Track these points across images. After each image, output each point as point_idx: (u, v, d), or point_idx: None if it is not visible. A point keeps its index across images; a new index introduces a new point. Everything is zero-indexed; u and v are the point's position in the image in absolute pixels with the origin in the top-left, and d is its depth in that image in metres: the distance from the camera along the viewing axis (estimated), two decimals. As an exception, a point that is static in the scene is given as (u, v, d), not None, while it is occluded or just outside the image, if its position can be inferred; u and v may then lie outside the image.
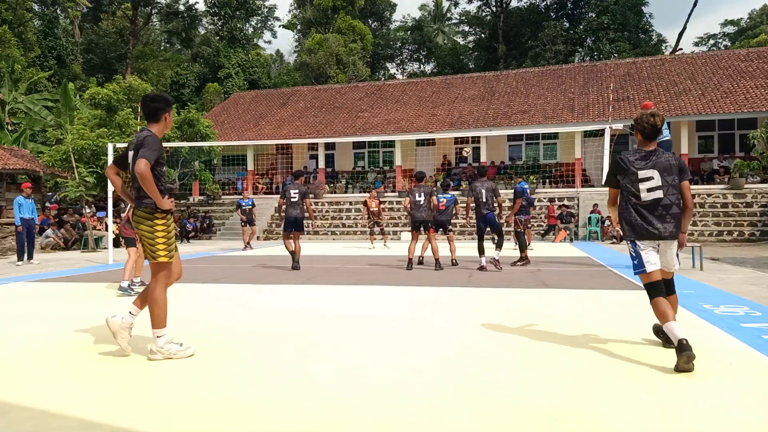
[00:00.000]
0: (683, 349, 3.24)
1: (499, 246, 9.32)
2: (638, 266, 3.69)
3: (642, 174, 3.66)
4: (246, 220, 15.71)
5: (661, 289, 3.60)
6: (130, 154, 3.73)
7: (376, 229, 15.47)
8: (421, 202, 9.27)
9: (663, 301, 3.52)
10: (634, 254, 3.72)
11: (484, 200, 9.01)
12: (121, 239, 7.36)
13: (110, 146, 11.75)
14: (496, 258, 9.20)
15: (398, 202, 22.80)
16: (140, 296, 3.89)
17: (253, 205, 16.30)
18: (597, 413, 2.65)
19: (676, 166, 3.68)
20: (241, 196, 17.37)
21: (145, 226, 3.65)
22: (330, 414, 2.68)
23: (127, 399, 2.93)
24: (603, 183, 4.17)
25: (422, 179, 9.64)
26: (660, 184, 3.63)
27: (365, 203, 15.38)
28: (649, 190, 3.64)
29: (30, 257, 12.11)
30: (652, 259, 3.64)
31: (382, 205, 16.47)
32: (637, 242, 3.68)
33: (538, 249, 13.89)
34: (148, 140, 3.61)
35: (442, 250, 9.78)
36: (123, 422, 2.59)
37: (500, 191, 10.93)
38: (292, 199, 9.36)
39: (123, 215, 7.45)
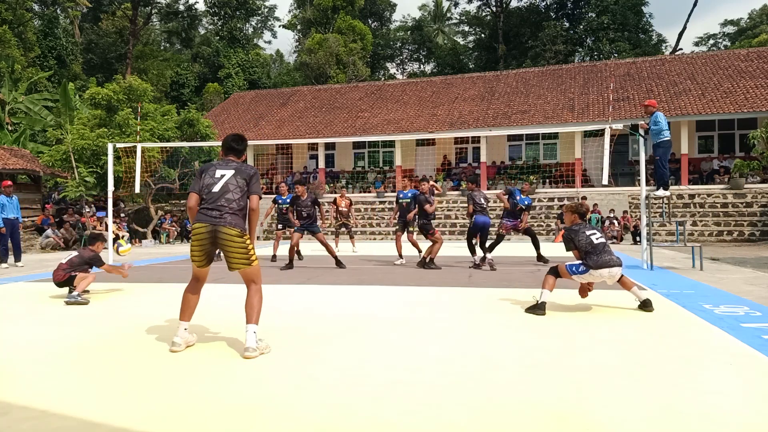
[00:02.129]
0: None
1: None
2: (573, 273, 5.37)
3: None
4: None
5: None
6: (220, 172, 3.99)
7: (343, 230, 14.66)
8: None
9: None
10: (580, 269, 5.37)
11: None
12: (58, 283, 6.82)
13: (110, 146, 11.74)
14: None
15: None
16: (187, 310, 4.05)
17: None
18: (598, 412, 2.65)
19: None
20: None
21: (238, 240, 3.90)
22: (330, 414, 2.68)
23: (127, 399, 2.93)
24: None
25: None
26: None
27: (334, 202, 14.51)
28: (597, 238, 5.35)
29: (17, 259, 11.36)
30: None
31: (382, 205, 16.35)
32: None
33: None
34: (258, 177, 4.06)
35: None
36: (123, 422, 2.59)
37: (499, 191, 11.27)
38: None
39: (64, 262, 6.92)
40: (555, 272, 5.46)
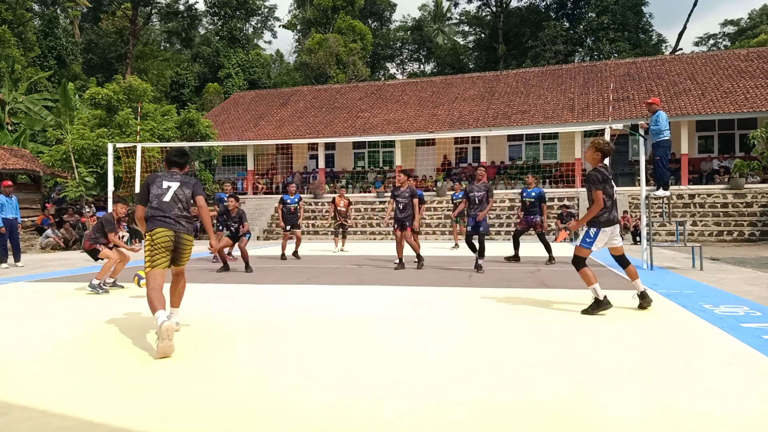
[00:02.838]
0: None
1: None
2: (591, 244, 5.18)
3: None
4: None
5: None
6: (167, 183, 4.43)
7: (340, 229, 14.38)
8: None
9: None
10: (593, 235, 5.17)
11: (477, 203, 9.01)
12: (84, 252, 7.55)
13: (110, 146, 11.75)
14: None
15: (398, 202, 22.79)
16: (161, 302, 4.13)
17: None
18: (598, 412, 2.65)
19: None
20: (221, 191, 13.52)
21: (191, 243, 4.50)
22: (330, 414, 2.68)
23: (127, 399, 2.93)
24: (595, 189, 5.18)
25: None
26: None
27: (333, 201, 14.23)
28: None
29: (17, 259, 11.32)
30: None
31: (381, 205, 16.30)
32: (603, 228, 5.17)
33: (538, 249, 13.86)
34: (199, 183, 4.66)
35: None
36: (123, 422, 2.59)
37: (499, 191, 11.11)
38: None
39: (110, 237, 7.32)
40: (581, 262, 5.21)
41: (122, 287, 7.32)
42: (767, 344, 3.88)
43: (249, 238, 9.95)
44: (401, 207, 9.39)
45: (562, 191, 21.76)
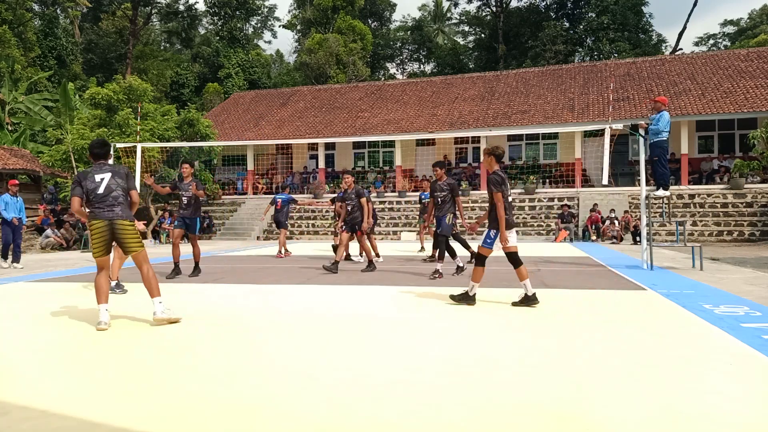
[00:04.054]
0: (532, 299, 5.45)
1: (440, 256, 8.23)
2: (491, 244, 5.46)
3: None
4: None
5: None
6: (99, 176, 4.80)
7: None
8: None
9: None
10: (493, 236, 5.46)
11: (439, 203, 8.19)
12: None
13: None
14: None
15: (398, 202, 22.81)
16: (103, 294, 4.82)
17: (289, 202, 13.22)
18: (598, 413, 2.65)
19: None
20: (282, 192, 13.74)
21: (131, 228, 4.85)
22: (330, 414, 2.68)
23: (127, 399, 2.93)
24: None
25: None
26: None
27: (333, 201, 14.28)
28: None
29: (16, 260, 11.20)
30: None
31: (381, 205, 16.16)
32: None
33: (538, 249, 13.87)
34: (131, 174, 5.00)
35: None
36: (123, 422, 2.59)
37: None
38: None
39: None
40: (481, 260, 5.58)
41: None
42: (767, 344, 3.88)
43: (199, 227, 8.66)
44: (350, 209, 9.24)
45: (562, 191, 21.76)
